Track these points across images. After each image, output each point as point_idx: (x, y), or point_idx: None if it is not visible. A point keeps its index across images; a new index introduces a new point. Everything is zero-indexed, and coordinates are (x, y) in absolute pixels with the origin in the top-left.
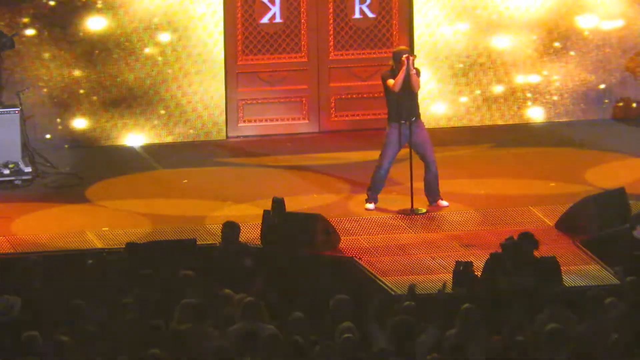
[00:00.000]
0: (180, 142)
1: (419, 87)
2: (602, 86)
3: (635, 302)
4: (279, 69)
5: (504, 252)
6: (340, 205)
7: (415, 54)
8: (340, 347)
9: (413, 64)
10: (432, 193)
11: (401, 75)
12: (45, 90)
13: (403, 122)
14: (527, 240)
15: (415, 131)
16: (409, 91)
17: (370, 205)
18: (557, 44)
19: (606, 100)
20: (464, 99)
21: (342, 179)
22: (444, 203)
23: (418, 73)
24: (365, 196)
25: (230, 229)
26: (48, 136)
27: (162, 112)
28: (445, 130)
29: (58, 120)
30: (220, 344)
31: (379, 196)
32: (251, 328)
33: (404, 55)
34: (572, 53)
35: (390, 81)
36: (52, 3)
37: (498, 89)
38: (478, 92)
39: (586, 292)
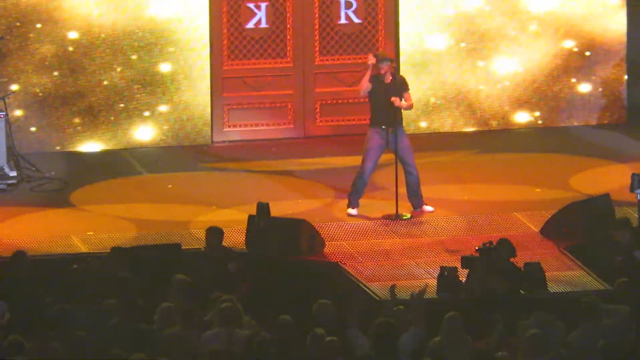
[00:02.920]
0: (165, 146)
1: (410, 107)
2: (587, 92)
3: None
4: (264, 74)
5: (479, 257)
6: (324, 211)
7: (390, 59)
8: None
9: (392, 69)
10: (416, 198)
11: (365, 78)
12: (28, 95)
13: (384, 127)
14: (504, 246)
15: (398, 138)
16: (389, 100)
17: (353, 211)
18: (542, 51)
19: (591, 106)
20: (448, 105)
21: (326, 184)
22: (428, 208)
23: (405, 84)
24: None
25: (214, 234)
26: (33, 129)
27: (148, 116)
28: (430, 137)
29: (42, 124)
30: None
31: (364, 201)
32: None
33: (381, 68)
34: (557, 59)
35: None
36: (33, 5)
37: (484, 95)
38: (464, 98)
39: (581, 298)
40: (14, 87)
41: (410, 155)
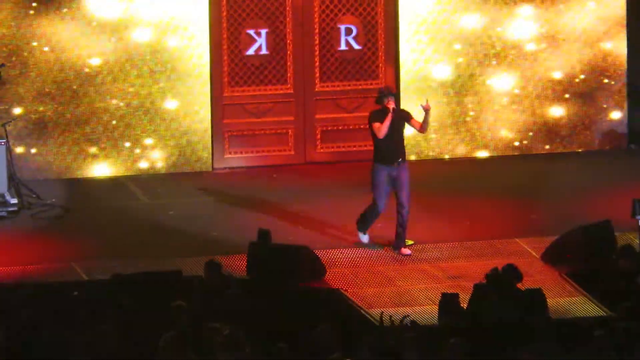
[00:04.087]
0: (166, 173)
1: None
2: (588, 118)
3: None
4: (265, 101)
5: (487, 284)
6: (326, 237)
7: (394, 93)
8: None
9: (394, 105)
10: (398, 240)
11: (387, 123)
12: (29, 122)
13: (388, 162)
14: (511, 272)
15: (399, 172)
16: (396, 135)
17: (365, 237)
18: (542, 76)
19: (592, 132)
20: (448, 131)
21: (327, 210)
22: (406, 252)
23: (409, 113)
24: (353, 227)
25: (212, 267)
26: (34, 156)
27: (148, 143)
28: (430, 163)
29: (43, 151)
30: None
31: None
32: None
33: (388, 102)
34: (557, 84)
35: (377, 125)
36: (33, 32)
37: (484, 121)
38: (463, 123)
39: (575, 324)
40: (16, 111)
41: (405, 192)
